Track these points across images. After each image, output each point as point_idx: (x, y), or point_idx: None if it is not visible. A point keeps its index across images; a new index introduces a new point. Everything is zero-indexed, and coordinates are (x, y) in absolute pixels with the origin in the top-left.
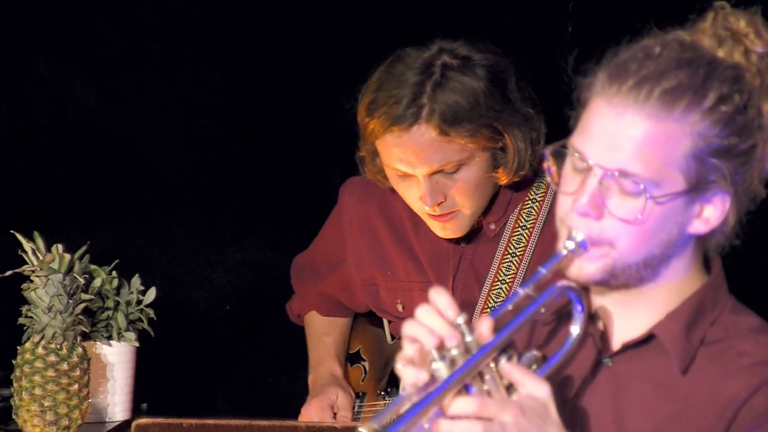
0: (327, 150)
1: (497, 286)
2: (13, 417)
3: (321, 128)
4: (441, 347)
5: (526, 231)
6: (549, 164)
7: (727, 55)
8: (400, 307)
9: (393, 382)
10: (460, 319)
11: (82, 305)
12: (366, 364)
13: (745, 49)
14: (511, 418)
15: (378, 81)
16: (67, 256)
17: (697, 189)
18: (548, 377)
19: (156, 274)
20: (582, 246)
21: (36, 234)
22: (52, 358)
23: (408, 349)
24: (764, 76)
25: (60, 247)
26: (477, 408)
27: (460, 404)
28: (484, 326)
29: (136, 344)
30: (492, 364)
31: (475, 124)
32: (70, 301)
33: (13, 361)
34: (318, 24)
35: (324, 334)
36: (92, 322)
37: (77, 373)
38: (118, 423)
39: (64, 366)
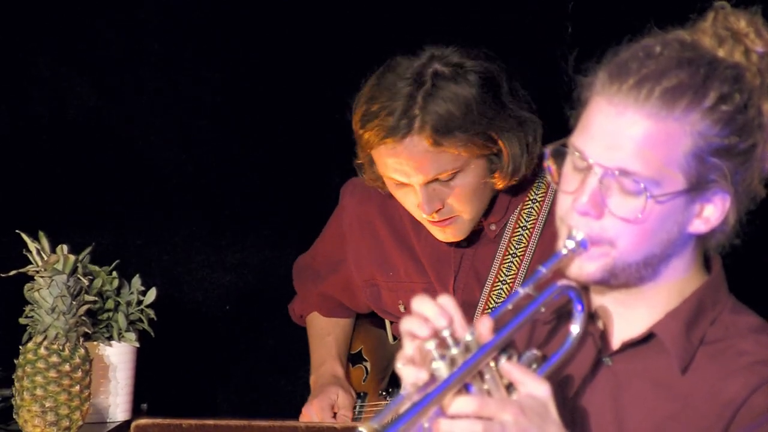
0: (327, 150)
1: (498, 287)
2: (14, 417)
3: (321, 128)
4: (440, 346)
5: (527, 231)
6: (549, 163)
7: (727, 54)
8: (401, 308)
9: (395, 383)
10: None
11: (85, 307)
12: (368, 364)
13: (746, 49)
14: (511, 418)
15: (370, 92)
16: (72, 257)
17: (697, 188)
18: (548, 376)
19: (156, 274)
20: (582, 245)
21: (41, 234)
22: (54, 359)
23: (408, 348)
24: (764, 75)
25: (65, 248)
26: (477, 407)
27: (460, 403)
28: (484, 326)
29: (137, 344)
30: (492, 364)
31: (468, 133)
32: (74, 303)
33: (15, 361)
34: (318, 24)
35: (326, 335)
36: (93, 323)
37: (79, 374)
38: (118, 423)
39: (66, 367)
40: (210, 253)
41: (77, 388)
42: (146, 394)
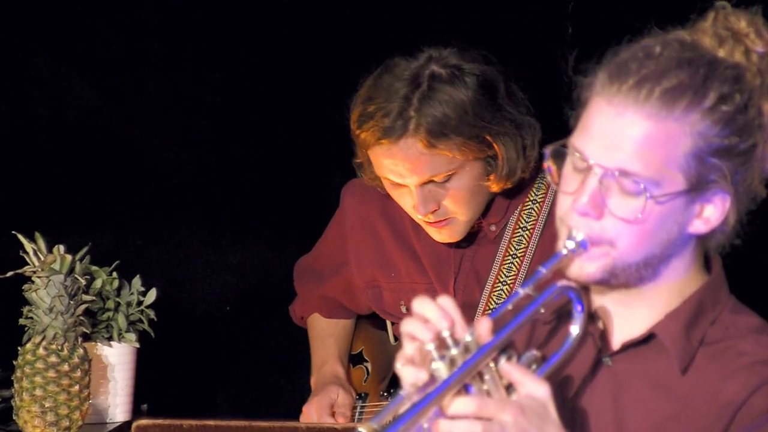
0: (327, 150)
1: (498, 288)
2: (14, 418)
3: (321, 128)
4: (440, 346)
5: (527, 232)
6: (549, 164)
7: (727, 54)
8: (403, 309)
9: (395, 384)
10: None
11: (83, 306)
12: (369, 365)
13: (746, 49)
14: (511, 418)
15: (367, 92)
16: (69, 257)
17: (697, 188)
18: (548, 377)
19: (156, 274)
20: (582, 246)
21: (37, 235)
22: (53, 359)
23: (408, 349)
24: (765, 75)
25: (61, 248)
26: (476, 408)
27: (459, 404)
28: (484, 326)
29: (137, 345)
30: (492, 364)
31: (463, 136)
32: (71, 302)
33: (14, 362)
34: (318, 24)
35: (327, 336)
36: (93, 323)
37: (78, 374)
38: (118, 424)
39: (65, 367)
40: (210, 254)
41: (76, 387)
42: (146, 394)
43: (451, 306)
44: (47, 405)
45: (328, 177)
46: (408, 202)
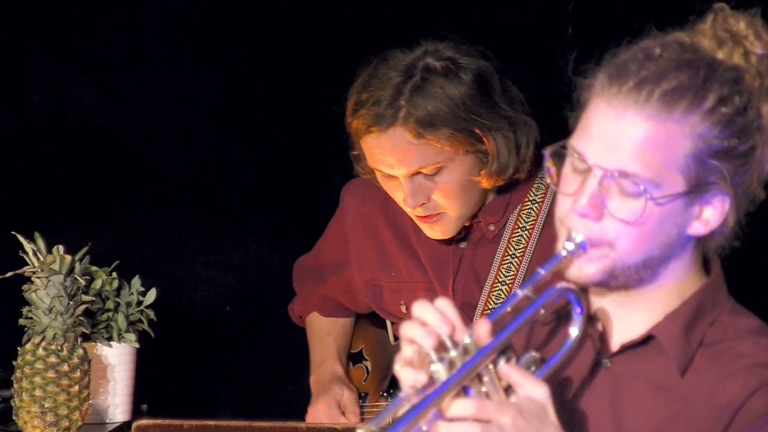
0: (327, 150)
1: (497, 288)
2: (14, 418)
3: (321, 128)
4: (439, 348)
5: (526, 232)
6: (549, 165)
7: (726, 56)
8: (403, 308)
9: (395, 383)
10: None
11: (83, 307)
12: (368, 364)
13: (745, 51)
14: (510, 420)
15: (363, 82)
16: (68, 258)
17: (696, 190)
18: (547, 378)
19: (156, 274)
20: (581, 247)
21: (37, 235)
22: (53, 359)
23: (407, 351)
24: (764, 77)
25: (61, 248)
26: (475, 410)
27: (458, 406)
28: (483, 328)
29: (137, 345)
30: (491, 366)
31: (453, 128)
32: (71, 303)
33: (14, 362)
34: (318, 24)
35: (326, 335)
36: (92, 324)
37: (78, 374)
38: (118, 424)
39: (65, 367)
40: (210, 254)
41: (76, 388)
42: (146, 394)
43: (450, 309)
44: (47, 405)
45: (328, 177)
46: (400, 195)
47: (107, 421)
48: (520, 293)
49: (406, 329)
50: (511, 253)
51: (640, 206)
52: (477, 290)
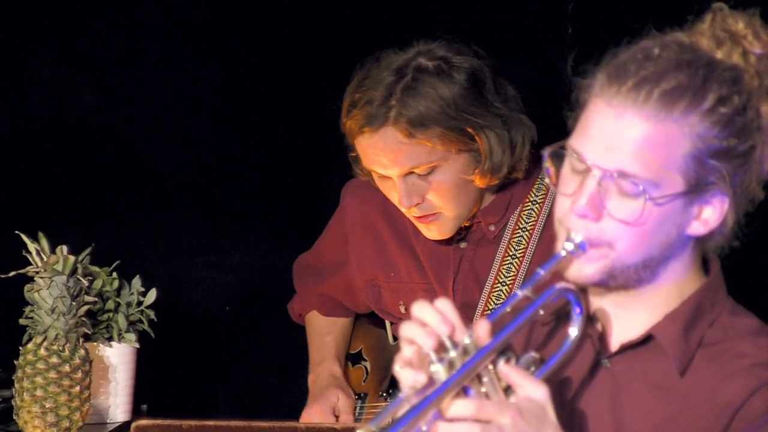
0: (327, 150)
1: (497, 288)
2: (14, 418)
3: (321, 128)
4: (439, 349)
5: (527, 233)
6: (548, 165)
7: (725, 56)
8: (402, 309)
9: (395, 384)
10: (453, 316)
11: (85, 307)
12: (368, 364)
13: (744, 51)
14: (509, 421)
15: (356, 83)
16: (72, 258)
17: (696, 190)
18: (546, 379)
19: (156, 274)
20: (581, 247)
21: (41, 235)
22: (54, 359)
23: (406, 351)
24: (763, 77)
25: (64, 248)
26: (475, 410)
27: (458, 406)
28: (482, 329)
29: (137, 345)
30: (490, 366)
31: (444, 127)
32: (73, 303)
33: (15, 362)
34: (318, 24)
35: (325, 334)
36: (93, 324)
37: (79, 375)
38: (118, 424)
39: (66, 368)
40: (210, 254)
41: (77, 388)
42: (146, 394)
43: (450, 309)
44: (48, 405)
45: (328, 177)
46: (395, 196)
47: (107, 421)
48: (520, 293)
49: (406, 329)
50: (511, 253)
51: (639, 206)
52: (477, 291)
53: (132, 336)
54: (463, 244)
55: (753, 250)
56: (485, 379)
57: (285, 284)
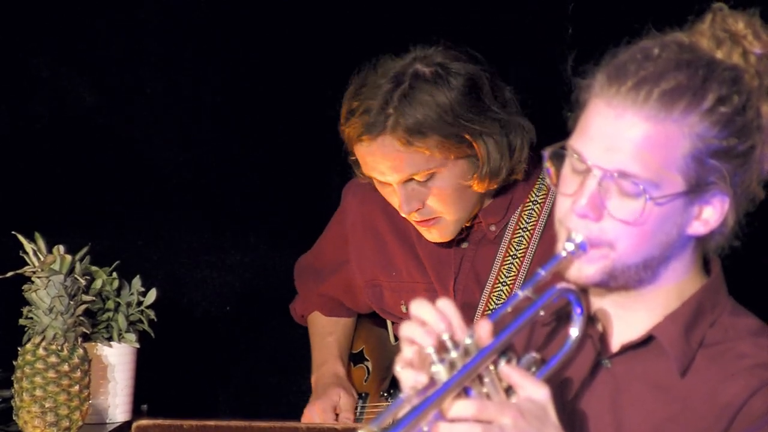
0: (327, 150)
1: (498, 288)
2: (14, 418)
3: (321, 128)
4: (440, 349)
5: (527, 233)
6: (548, 165)
7: (725, 56)
8: (403, 308)
9: (396, 384)
10: (454, 315)
11: (83, 306)
12: (369, 364)
13: (744, 51)
14: (510, 421)
15: (354, 90)
16: (69, 258)
17: (696, 190)
18: (547, 379)
19: (156, 274)
20: (581, 247)
21: (37, 235)
22: (53, 359)
23: (407, 351)
24: (763, 77)
25: (61, 248)
26: (476, 411)
27: (459, 407)
28: (483, 329)
29: (137, 345)
30: (491, 367)
31: (442, 135)
32: (71, 303)
33: (14, 362)
34: (318, 24)
35: (327, 334)
36: (93, 324)
37: (78, 374)
38: (118, 424)
39: (65, 367)
40: (210, 254)
41: (76, 388)
42: (146, 394)
43: (451, 309)
44: (47, 405)
45: (328, 177)
46: (395, 201)
47: (107, 421)
48: (521, 294)
49: (405, 329)
50: (512, 253)
51: (639, 206)
52: (478, 291)
53: (132, 336)
54: (464, 244)
55: (753, 250)
56: (486, 380)
57: (285, 284)
